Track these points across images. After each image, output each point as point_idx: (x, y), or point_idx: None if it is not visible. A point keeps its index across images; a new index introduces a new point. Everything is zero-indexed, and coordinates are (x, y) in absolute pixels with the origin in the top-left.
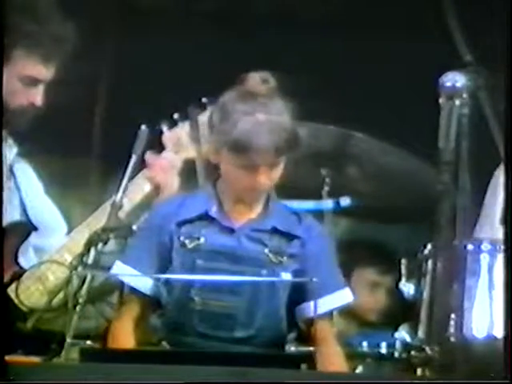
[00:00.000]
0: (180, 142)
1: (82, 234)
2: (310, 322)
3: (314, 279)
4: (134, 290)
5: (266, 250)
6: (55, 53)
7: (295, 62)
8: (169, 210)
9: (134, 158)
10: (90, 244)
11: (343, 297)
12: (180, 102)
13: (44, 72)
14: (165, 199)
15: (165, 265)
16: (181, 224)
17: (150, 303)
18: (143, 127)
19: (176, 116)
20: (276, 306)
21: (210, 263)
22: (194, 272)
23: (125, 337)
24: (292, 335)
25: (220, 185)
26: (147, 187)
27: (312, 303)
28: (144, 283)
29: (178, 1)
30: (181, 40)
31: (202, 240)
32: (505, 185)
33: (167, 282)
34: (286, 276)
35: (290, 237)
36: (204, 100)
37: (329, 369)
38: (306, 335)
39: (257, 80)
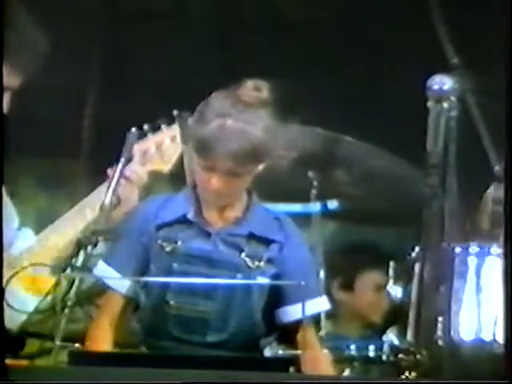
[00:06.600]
0: (148, 153)
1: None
2: (286, 328)
3: (298, 282)
4: (113, 290)
5: (243, 255)
6: (26, 62)
7: (283, 64)
8: (149, 211)
9: (122, 161)
10: (79, 246)
11: (317, 305)
12: (164, 107)
13: (12, 80)
14: (146, 200)
15: (144, 267)
16: (160, 227)
17: (129, 304)
18: (133, 130)
19: (145, 127)
20: (251, 311)
21: (186, 267)
22: (170, 275)
23: (103, 334)
24: (268, 339)
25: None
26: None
27: (284, 309)
28: (123, 285)
29: (167, 5)
30: (171, 43)
31: (179, 243)
32: (505, 186)
33: (145, 285)
34: (263, 281)
35: (267, 242)
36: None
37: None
38: (283, 340)
39: (249, 87)
